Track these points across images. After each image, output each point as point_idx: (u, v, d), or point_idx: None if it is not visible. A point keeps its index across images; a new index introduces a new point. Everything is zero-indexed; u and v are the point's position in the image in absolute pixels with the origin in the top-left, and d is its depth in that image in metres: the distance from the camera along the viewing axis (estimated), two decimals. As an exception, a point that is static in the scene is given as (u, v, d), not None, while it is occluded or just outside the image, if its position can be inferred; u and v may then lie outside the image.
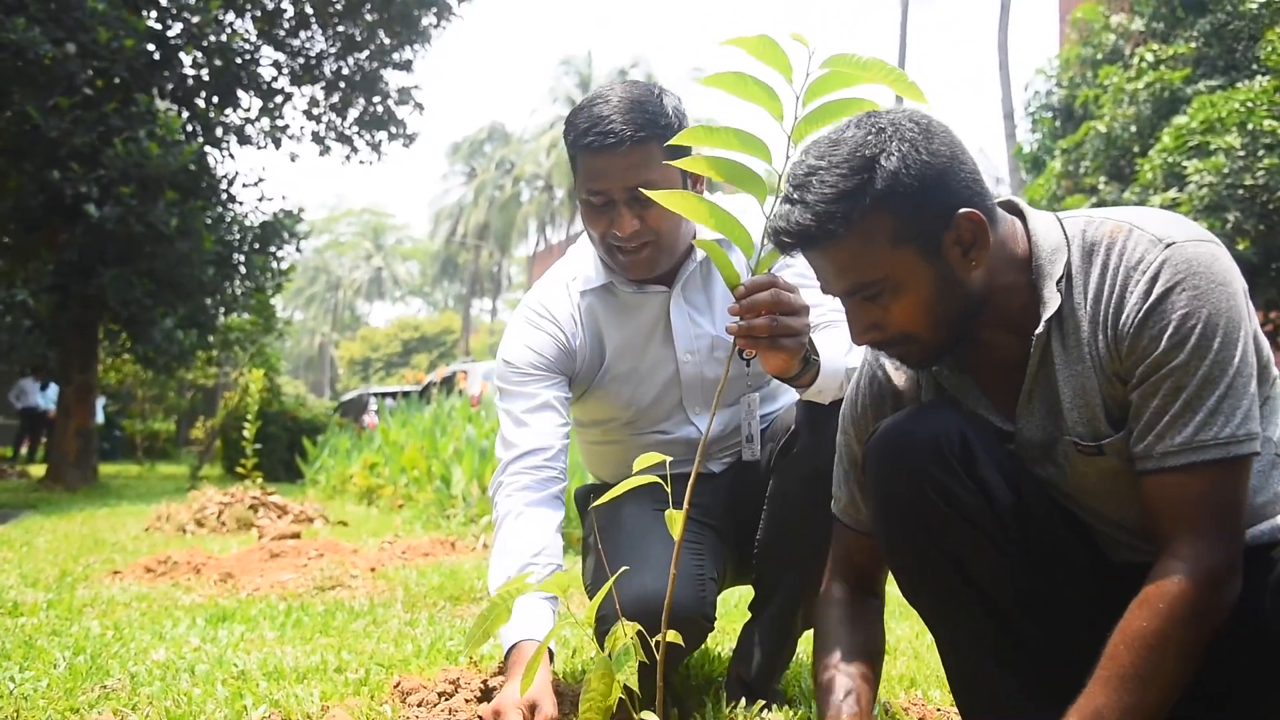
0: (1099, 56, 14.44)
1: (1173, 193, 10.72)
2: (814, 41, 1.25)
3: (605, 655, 1.34)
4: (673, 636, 1.35)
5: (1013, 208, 1.38)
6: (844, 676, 1.40)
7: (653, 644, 1.37)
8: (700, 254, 1.91)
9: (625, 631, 1.36)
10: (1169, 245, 1.22)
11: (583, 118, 1.75)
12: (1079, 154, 13.42)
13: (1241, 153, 10.18)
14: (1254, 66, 12.11)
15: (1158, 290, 1.21)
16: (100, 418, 13.90)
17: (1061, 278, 1.29)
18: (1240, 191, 10.08)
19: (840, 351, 1.65)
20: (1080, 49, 14.87)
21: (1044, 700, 1.32)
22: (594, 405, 1.98)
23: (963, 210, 1.25)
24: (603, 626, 1.64)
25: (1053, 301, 1.28)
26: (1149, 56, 13.00)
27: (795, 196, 1.25)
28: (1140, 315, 1.21)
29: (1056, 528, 1.35)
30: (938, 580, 1.35)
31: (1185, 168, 10.59)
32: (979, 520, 1.30)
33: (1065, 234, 1.31)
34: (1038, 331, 1.29)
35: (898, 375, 1.49)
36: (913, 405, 1.44)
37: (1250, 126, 10.24)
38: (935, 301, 1.28)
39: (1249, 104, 10.43)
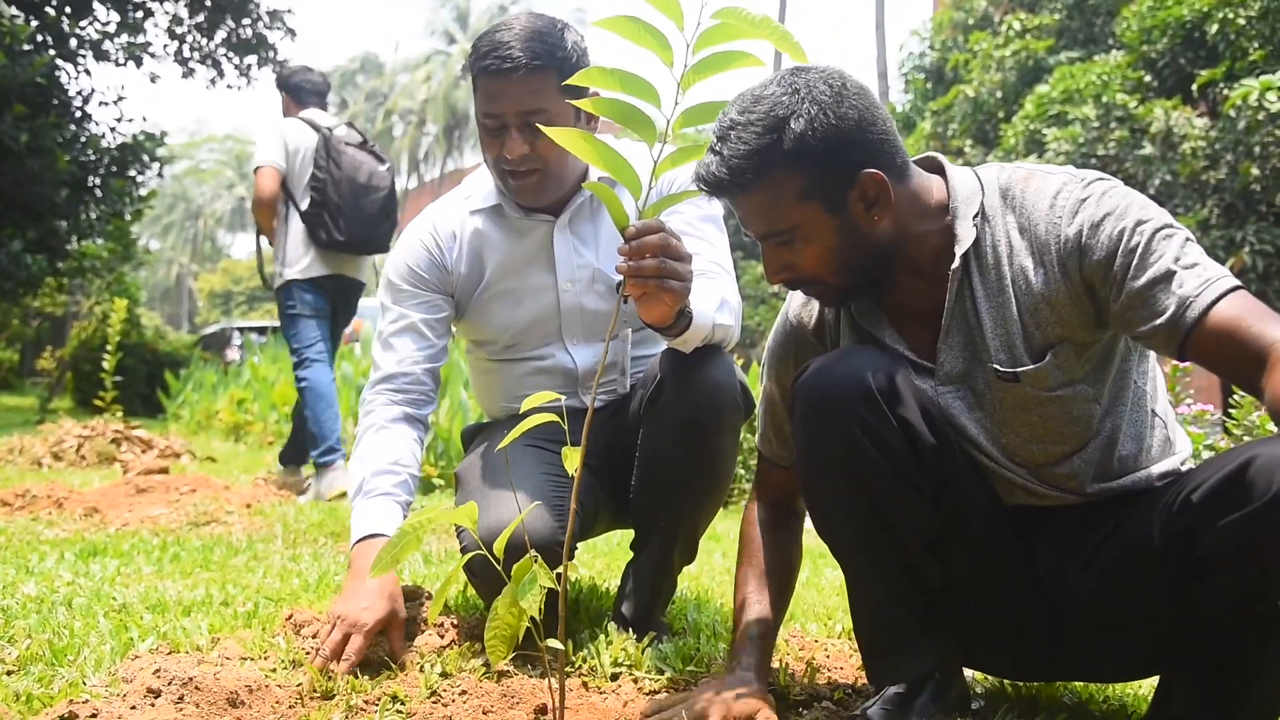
0: (970, 21, 14.91)
1: (1032, 159, 11.23)
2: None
3: (510, 586, 1.39)
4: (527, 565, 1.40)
5: (933, 164, 1.49)
6: (757, 595, 1.56)
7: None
8: (586, 193, 1.97)
9: (531, 561, 1.41)
10: (1078, 174, 1.38)
11: (484, 42, 1.83)
12: (948, 116, 13.88)
13: (1096, 124, 10.74)
14: (1110, 41, 12.73)
15: (1088, 203, 1.33)
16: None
17: (977, 214, 1.40)
18: (1093, 161, 10.63)
19: (711, 305, 1.71)
20: (953, 13, 15.31)
21: (938, 633, 1.45)
22: (475, 323, 2.04)
23: (866, 170, 1.35)
24: (465, 553, 1.72)
25: (967, 236, 1.39)
26: (1016, 25, 13.51)
27: (716, 148, 1.37)
28: (1084, 229, 1.32)
29: (964, 472, 1.45)
30: (853, 517, 1.42)
31: (1045, 135, 11.10)
32: (901, 461, 1.38)
33: (980, 181, 1.44)
34: (953, 266, 1.40)
35: (812, 321, 1.59)
36: (841, 347, 1.53)
37: (1105, 99, 10.80)
38: (840, 251, 1.40)
39: (1104, 77, 10.99)
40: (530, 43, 1.79)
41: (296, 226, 4.45)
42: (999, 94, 13.21)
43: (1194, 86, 10.46)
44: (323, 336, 4.50)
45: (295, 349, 4.52)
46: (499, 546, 1.45)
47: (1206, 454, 3.12)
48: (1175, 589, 1.30)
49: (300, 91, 4.70)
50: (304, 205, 4.40)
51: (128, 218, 11.53)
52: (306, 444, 4.52)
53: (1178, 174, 10.40)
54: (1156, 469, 1.44)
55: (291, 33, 12.66)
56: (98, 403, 6.66)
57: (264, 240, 4.72)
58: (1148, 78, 11.23)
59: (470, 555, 1.50)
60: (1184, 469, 1.45)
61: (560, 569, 1.46)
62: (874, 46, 22.31)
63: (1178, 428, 1.51)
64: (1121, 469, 1.43)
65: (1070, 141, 10.71)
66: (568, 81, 1.60)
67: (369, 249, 4.49)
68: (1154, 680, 1.53)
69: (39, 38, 10.54)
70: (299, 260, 4.46)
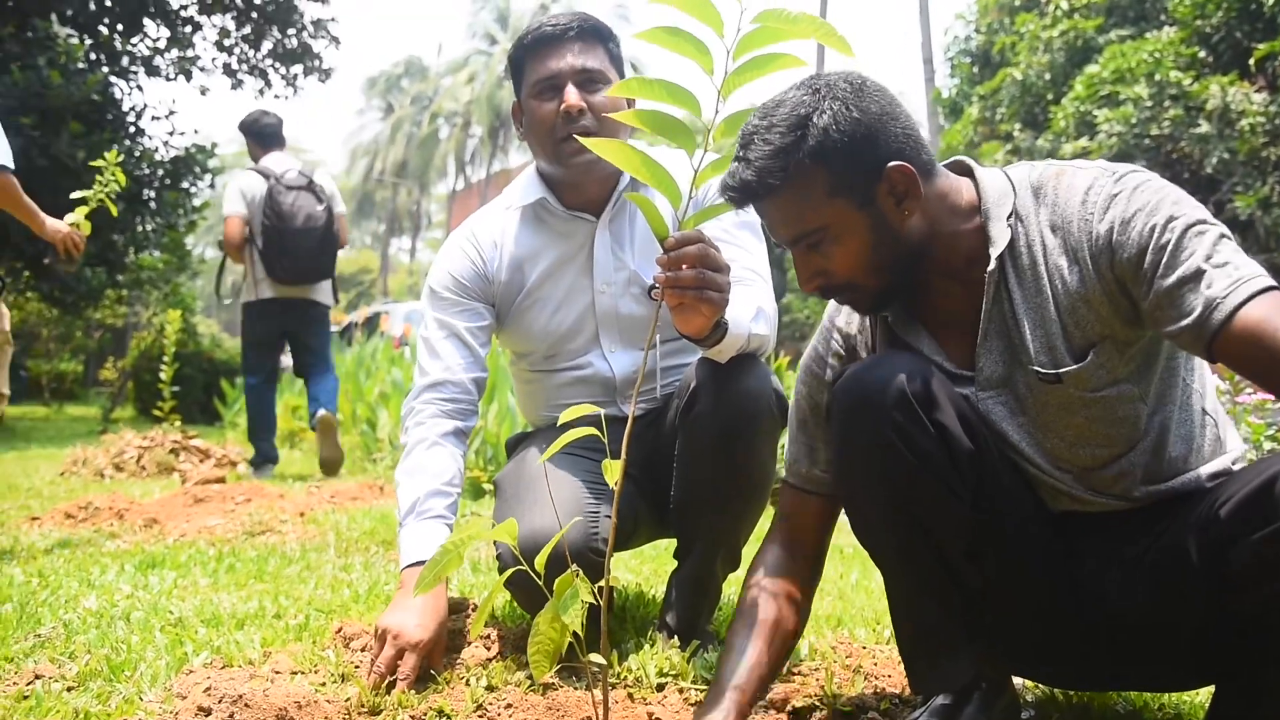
0: (1016, 3, 14.65)
1: (1084, 141, 11.01)
2: (743, -8, 1.29)
3: (553, 601, 1.39)
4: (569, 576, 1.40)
5: (962, 167, 1.46)
6: (740, 650, 1.45)
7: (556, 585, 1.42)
8: (625, 181, 1.98)
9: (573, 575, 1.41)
10: (1110, 168, 1.35)
11: (532, 24, 1.95)
12: (995, 100, 13.67)
13: (1149, 103, 10.50)
14: (1162, 18, 12.43)
15: (1119, 199, 1.30)
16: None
17: (1011, 214, 1.38)
18: (1147, 141, 10.41)
19: (747, 315, 1.70)
20: (999, -5, 15.07)
21: (979, 639, 1.42)
22: (514, 332, 2.05)
23: (893, 163, 1.34)
24: (501, 565, 1.72)
25: (1002, 237, 1.37)
26: (1064, 4, 13.25)
27: (741, 154, 1.36)
28: (1115, 225, 1.29)
29: (1004, 477, 1.42)
30: (891, 523, 1.40)
31: (1096, 116, 10.89)
32: (937, 466, 1.35)
33: (1011, 181, 1.41)
34: (990, 269, 1.37)
35: (852, 335, 1.57)
36: (877, 353, 1.50)
37: (1157, 77, 10.56)
38: (873, 249, 1.38)
39: (1157, 55, 10.74)
40: (579, 16, 1.92)
41: (258, 260, 5.45)
42: (1047, 76, 12.97)
43: (1251, 60, 10.17)
44: (266, 358, 5.77)
45: (244, 368, 5.84)
46: (539, 561, 1.45)
47: (1270, 445, 3.04)
48: (1214, 598, 1.26)
49: (262, 135, 5.62)
50: (260, 243, 5.40)
51: (181, 229, 11.76)
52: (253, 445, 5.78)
53: (1236, 151, 10.13)
54: (1206, 470, 1.40)
55: (336, 41, 12.83)
56: (156, 413, 6.80)
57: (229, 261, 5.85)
58: (1202, 53, 10.95)
59: (511, 571, 1.51)
60: (1235, 468, 1.41)
61: (602, 582, 1.46)
62: (919, 32, 22.02)
63: (1229, 425, 1.47)
64: (1171, 470, 1.39)
65: (1123, 122, 10.48)
66: (607, 93, 1.73)
67: (310, 278, 5.51)
68: (1211, 689, 1.49)
69: (92, 56, 10.80)
70: (257, 287, 5.52)
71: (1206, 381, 1.45)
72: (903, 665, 1.51)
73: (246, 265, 5.52)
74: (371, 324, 12.95)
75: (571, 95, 1.87)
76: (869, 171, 1.34)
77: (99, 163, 3.65)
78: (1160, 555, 1.36)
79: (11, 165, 3.24)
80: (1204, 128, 10.28)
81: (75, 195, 3.60)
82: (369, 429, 6.24)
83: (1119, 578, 1.40)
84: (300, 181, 5.45)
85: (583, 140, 1.43)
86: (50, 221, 3.45)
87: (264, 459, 5.77)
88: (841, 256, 1.38)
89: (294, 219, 5.34)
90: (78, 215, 3.56)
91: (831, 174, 1.34)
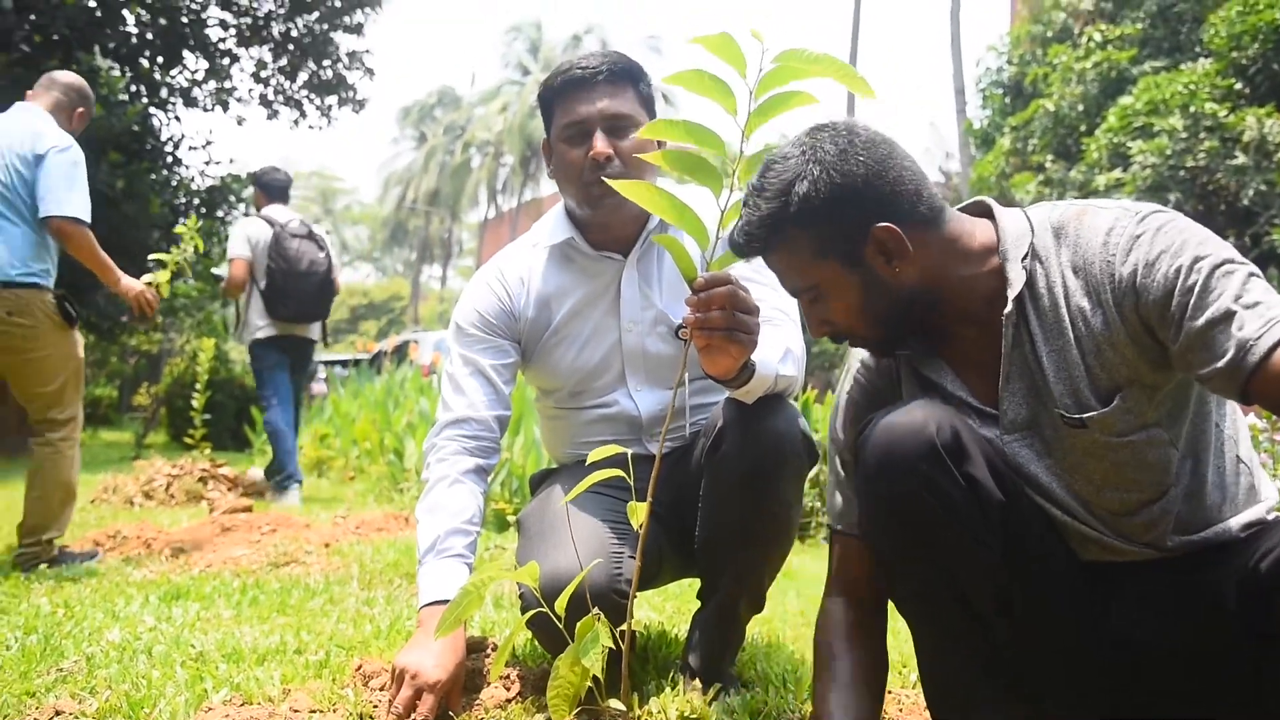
0: (1049, 34, 14.63)
1: (1117, 172, 10.93)
2: (771, 24, 1.30)
3: (573, 645, 1.37)
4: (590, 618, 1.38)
5: (981, 208, 1.45)
6: (842, 699, 1.44)
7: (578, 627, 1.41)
8: (655, 220, 1.97)
9: (593, 619, 1.39)
10: (1132, 208, 1.32)
11: (563, 65, 1.92)
12: (1027, 131, 13.61)
13: (1184, 135, 10.41)
14: (1197, 49, 12.35)
15: (1142, 240, 1.27)
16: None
17: (1027, 255, 1.35)
18: (1182, 173, 10.31)
19: (775, 356, 1.69)
20: (1031, 26, 15.05)
21: (1009, 694, 1.38)
22: (540, 369, 2.04)
23: (879, 225, 1.34)
24: (524, 606, 1.70)
25: (1018, 279, 1.35)
26: (1097, 36, 13.20)
27: (742, 212, 1.39)
28: (1139, 268, 1.26)
29: (1034, 526, 1.39)
30: (921, 577, 1.37)
31: (1130, 148, 10.80)
32: (967, 519, 1.32)
33: (1030, 221, 1.39)
34: (1006, 311, 1.35)
35: (880, 378, 1.55)
36: (903, 401, 1.46)
37: (1192, 109, 10.47)
38: (866, 305, 1.39)
39: (1191, 86, 10.66)
40: (609, 58, 1.91)
41: (257, 300, 5.91)
42: (1080, 107, 12.91)
43: (1287, 92, 10.08)
44: (282, 382, 6.05)
45: (263, 395, 6.13)
46: (560, 605, 1.43)
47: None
48: (1254, 652, 1.22)
49: (270, 188, 6.15)
50: (262, 285, 5.85)
51: (215, 257, 11.90)
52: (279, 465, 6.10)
53: (1273, 183, 10.02)
54: (1239, 520, 1.36)
55: (370, 72, 12.98)
56: (188, 440, 6.86)
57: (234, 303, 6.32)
58: (1238, 85, 10.85)
59: (532, 614, 1.49)
60: (1270, 518, 1.37)
61: (624, 626, 1.44)
62: (950, 63, 22.01)
63: (1262, 473, 1.43)
64: (1205, 520, 1.36)
65: (1157, 154, 10.40)
66: (636, 135, 1.74)
67: (310, 319, 5.99)
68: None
69: (132, 88, 10.99)
70: (261, 325, 5.93)
71: (1240, 428, 1.41)
72: (929, 715, 1.47)
73: (242, 303, 6.02)
74: (400, 352, 13.01)
75: (599, 142, 1.86)
76: (854, 233, 1.35)
77: (180, 229, 3.76)
78: (1196, 608, 1.32)
79: (88, 218, 3.29)
80: (1240, 159, 10.17)
81: (154, 258, 3.71)
82: (396, 459, 6.25)
83: (1147, 625, 1.37)
84: (302, 230, 5.98)
85: (611, 182, 1.43)
86: (125, 279, 3.51)
87: (288, 480, 5.98)
88: (838, 311, 1.41)
89: (299, 263, 5.84)
90: (158, 277, 3.64)
91: (816, 237, 1.35)
